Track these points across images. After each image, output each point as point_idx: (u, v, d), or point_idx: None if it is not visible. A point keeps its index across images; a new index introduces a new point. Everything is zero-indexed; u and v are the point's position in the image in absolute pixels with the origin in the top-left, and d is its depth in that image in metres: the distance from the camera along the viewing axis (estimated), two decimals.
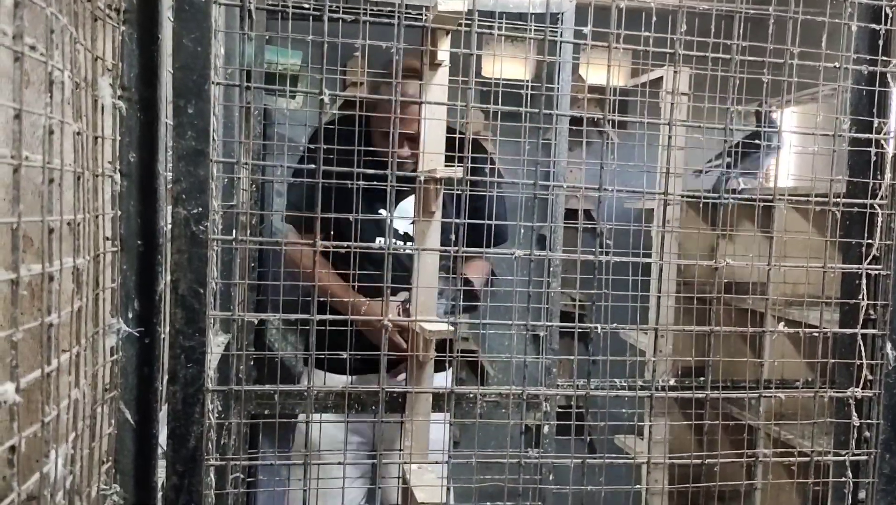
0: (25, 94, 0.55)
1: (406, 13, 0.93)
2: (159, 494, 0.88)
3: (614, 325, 1.10)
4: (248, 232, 1.66)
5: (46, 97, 0.60)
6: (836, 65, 1.11)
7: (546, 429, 2.37)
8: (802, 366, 2.35)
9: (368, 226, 2.02)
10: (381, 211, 2.04)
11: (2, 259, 0.51)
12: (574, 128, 2.88)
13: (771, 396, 1.07)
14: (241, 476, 1.65)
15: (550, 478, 1.62)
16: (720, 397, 1.05)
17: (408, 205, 2.05)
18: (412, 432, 1.40)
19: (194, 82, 0.83)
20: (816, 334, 1.18)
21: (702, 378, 2.64)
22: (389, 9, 1.42)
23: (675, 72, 1.27)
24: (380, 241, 1.96)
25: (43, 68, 0.61)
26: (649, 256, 2.90)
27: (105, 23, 0.81)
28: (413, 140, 1.89)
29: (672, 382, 1.09)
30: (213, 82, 0.83)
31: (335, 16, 0.89)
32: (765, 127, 2.20)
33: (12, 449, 0.56)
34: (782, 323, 1.39)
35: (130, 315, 0.88)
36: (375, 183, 1.37)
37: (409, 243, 2.04)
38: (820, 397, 1.15)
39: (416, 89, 1.93)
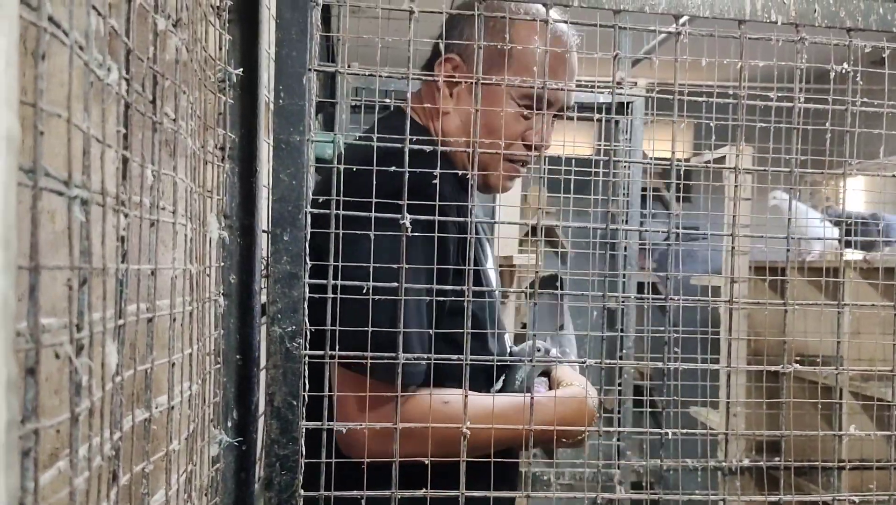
0: (159, 252, 0.63)
1: None
2: None
3: (685, 398, 1.12)
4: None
5: (174, 253, 0.68)
6: None
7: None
8: (883, 444, 2.28)
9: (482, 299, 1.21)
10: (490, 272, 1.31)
11: (135, 397, 0.58)
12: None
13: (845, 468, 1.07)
14: None
15: None
16: (794, 467, 1.05)
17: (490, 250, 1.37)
18: None
19: (289, 212, 0.92)
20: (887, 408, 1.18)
21: (777, 458, 2.58)
22: None
23: (738, 154, 1.29)
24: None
25: (171, 227, 0.70)
26: (717, 332, 2.89)
27: (214, 164, 0.91)
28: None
29: (747, 462, 1.11)
30: (307, 211, 0.91)
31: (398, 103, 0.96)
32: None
33: None
34: (854, 427, 1.38)
35: (230, 424, 0.95)
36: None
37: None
38: None
39: None
